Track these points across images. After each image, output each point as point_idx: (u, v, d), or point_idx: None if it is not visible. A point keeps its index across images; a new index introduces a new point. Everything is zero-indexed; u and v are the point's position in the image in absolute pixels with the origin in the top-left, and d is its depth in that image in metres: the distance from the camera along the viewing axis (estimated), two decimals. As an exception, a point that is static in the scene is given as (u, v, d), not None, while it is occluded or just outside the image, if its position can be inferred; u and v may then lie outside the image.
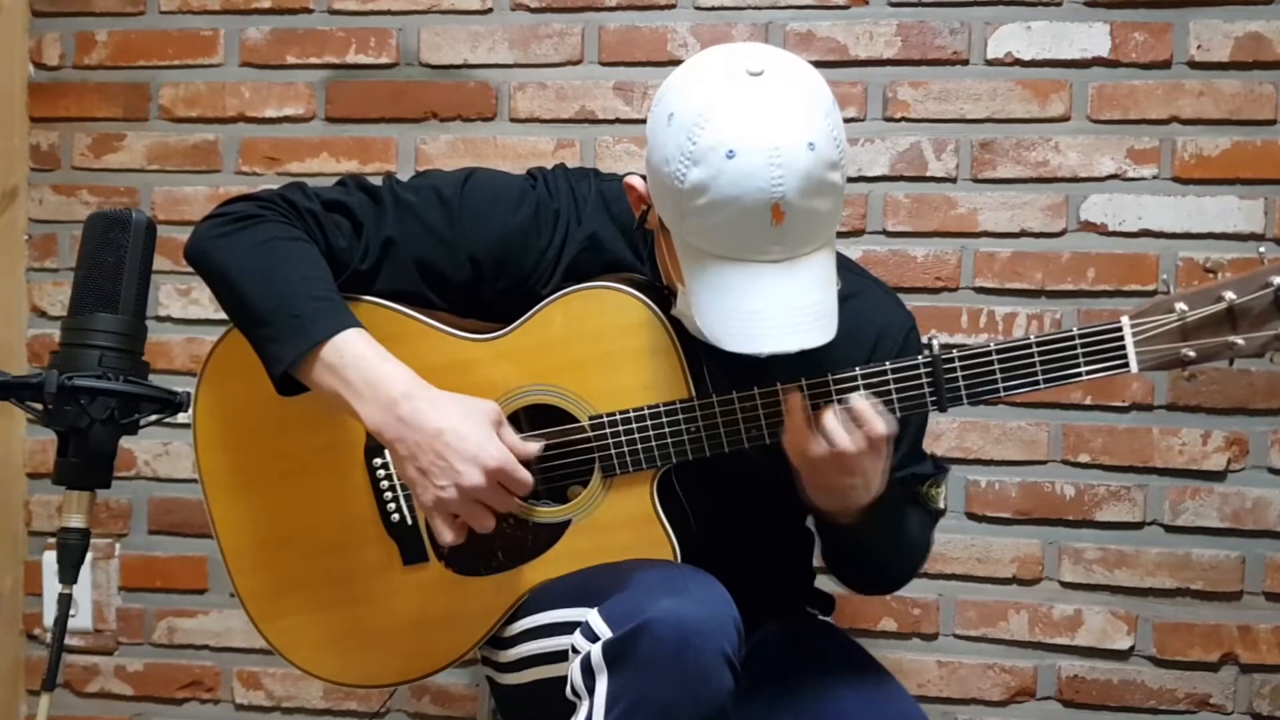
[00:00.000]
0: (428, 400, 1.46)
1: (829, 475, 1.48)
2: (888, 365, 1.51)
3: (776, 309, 1.37)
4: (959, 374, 1.50)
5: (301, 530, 1.65)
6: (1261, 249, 1.48)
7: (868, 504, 1.53)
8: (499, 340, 1.59)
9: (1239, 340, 1.45)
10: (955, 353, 1.50)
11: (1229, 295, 1.44)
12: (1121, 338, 1.47)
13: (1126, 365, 1.47)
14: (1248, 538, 2.27)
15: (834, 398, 1.50)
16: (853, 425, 1.46)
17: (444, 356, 1.57)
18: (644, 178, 1.50)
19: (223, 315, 1.59)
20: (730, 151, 1.32)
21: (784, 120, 1.34)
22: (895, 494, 1.61)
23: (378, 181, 1.66)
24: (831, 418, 1.46)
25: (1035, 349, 1.49)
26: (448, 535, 1.49)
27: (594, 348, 1.56)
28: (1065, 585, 2.31)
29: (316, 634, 1.67)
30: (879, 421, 1.45)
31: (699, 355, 1.54)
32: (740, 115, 1.34)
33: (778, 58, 1.40)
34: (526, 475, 1.47)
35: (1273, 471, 2.26)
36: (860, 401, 1.47)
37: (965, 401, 1.51)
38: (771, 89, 1.36)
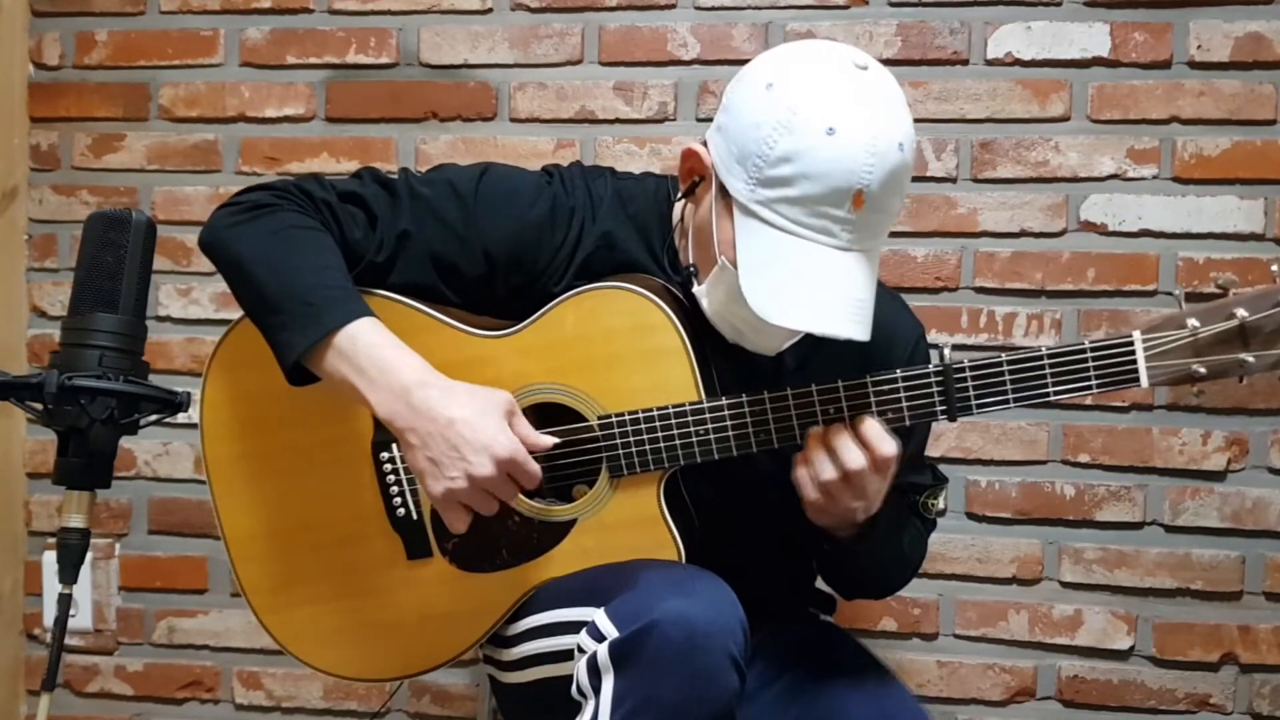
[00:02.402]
0: (440, 389, 1.46)
1: (839, 500, 1.49)
2: (899, 374, 1.51)
3: (829, 292, 1.39)
4: (969, 383, 1.50)
5: (306, 523, 1.65)
6: (1275, 268, 1.48)
7: (865, 521, 1.54)
8: (510, 337, 1.59)
9: (1250, 358, 1.45)
10: (966, 362, 1.50)
11: (1241, 312, 1.44)
12: (1133, 352, 1.47)
13: (1137, 380, 1.48)
14: (1248, 538, 2.28)
15: (844, 404, 1.50)
16: (855, 445, 1.47)
17: (455, 352, 1.57)
18: (705, 147, 1.51)
19: (223, 315, 1.59)
20: (831, 129, 1.35)
21: (886, 115, 1.38)
22: (895, 504, 1.62)
23: (393, 174, 1.66)
24: (843, 438, 1.47)
25: (1047, 361, 1.49)
26: (460, 524, 1.49)
27: (604, 348, 1.56)
28: (1065, 585, 2.32)
29: (319, 627, 1.67)
30: (887, 443, 1.47)
31: (710, 358, 1.54)
32: (849, 98, 1.37)
33: (873, 60, 1.43)
34: (536, 467, 1.47)
35: (1273, 471, 2.27)
36: (870, 423, 1.48)
37: (975, 411, 1.51)
38: (877, 85, 1.40)
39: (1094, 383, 1.49)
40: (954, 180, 2.32)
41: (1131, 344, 1.48)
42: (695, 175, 1.53)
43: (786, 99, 1.38)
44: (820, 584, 1.88)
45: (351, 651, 1.68)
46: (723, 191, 1.46)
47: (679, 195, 1.59)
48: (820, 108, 1.36)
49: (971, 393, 1.50)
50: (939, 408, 1.51)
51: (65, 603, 1.60)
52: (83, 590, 2.49)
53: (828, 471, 1.47)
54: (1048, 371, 1.49)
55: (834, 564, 1.70)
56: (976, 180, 2.31)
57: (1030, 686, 2.33)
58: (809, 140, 1.35)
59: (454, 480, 1.44)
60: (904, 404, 1.51)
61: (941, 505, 1.73)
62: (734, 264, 1.43)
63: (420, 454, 1.45)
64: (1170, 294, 1.49)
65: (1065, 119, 2.29)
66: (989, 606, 2.34)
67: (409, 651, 1.66)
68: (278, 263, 1.52)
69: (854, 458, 1.46)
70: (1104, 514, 2.30)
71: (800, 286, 1.39)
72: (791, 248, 1.39)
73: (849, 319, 1.39)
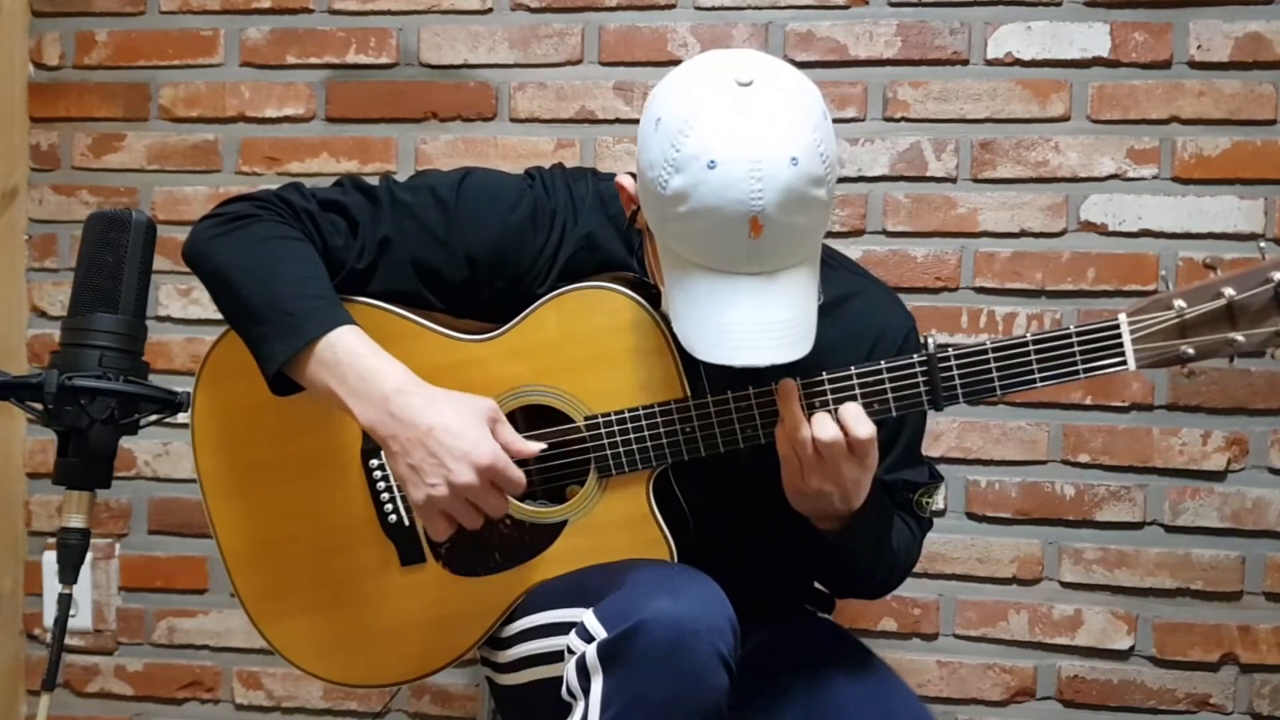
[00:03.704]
0: (421, 396, 1.45)
1: (810, 476, 1.48)
2: (882, 364, 1.50)
3: (750, 322, 1.37)
4: (955, 372, 1.49)
5: (300, 532, 1.65)
6: (1261, 245, 1.47)
7: (847, 514, 1.53)
8: (494, 341, 1.59)
9: (1239, 337, 1.43)
10: (951, 351, 1.50)
11: (1228, 291, 1.43)
12: (1119, 335, 1.46)
13: (1124, 363, 1.46)
14: (1248, 538, 2.28)
15: (829, 396, 1.50)
16: (829, 420, 1.46)
17: (439, 357, 1.57)
18: (635, 177, 1.50)
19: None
20: (711, 162, 1.32)
21: (767, 133, 1.33)
22: (882, 501, 1.61)
23: (375, 182, 1.66)
24: (820, 414, 1.47)
25: (1032, 347, 1.48)
26: (441, 532, 1.49)
27: (589, 348, 1.56)
28: (1065, 585, 2.31)
29: (316, 634, 1.67)
30: (863, 425, 1.45)
31: (694, 355, 1.54)
32: (724, 126, 1.33)
33: (770, 68, 1.39)
34: (519, 474, 1.46)
35: (1273, 471, 2.26)
36: (849, 405, 1.47)
37: (962, 400, 1.50)
38: (758, 100, 1.35)
39: (1080, 368, 1.48)
40: (954, 180, 2.31)
41: (1117, 327, 1.46)
42: (632, 204, 1.52)
43: (669, 135, 1.35)
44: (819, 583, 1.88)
45: (350, 658, 1.68)
46: (647, 224, 1.46)
47: (626, 223, 1.59)
48: (698, 140, 1.32)
49: (957, 381, 1.50)
50: (924, 398, 1.50)
51: (65, 603, 1.60)
52: (83, 590, 2.50)
53: (801, 431, 1.46)
54: (1033, 358, 1.48)
55: (821, 560, 1.69)
56: (976, 180, 2.31)
57: (1030, 686, 2.33)
58: (694, 177, 1.32)
59: (434, 487, 1.44)
60: (889, 395, 1.50)
61: (939, 504, 1.72)
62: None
63: (401, 461, 1.45)
64: (1164, 291, 1.48)
65: (1065, 119, 2.29)
66: (989, 606, 2.34)
67: (407, 657, 1.66)
68: (259, 273, 1.52)
69: (827, 429, 1.45)
70: (1104, 514, 2.30)
71: (720, 320, 1.37)
72: (706, 281, 1.38)
73: (772, 345, 1.36)
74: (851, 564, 1.67)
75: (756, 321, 1.37)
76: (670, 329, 1.52)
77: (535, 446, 1.50)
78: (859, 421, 1.46)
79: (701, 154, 1.32)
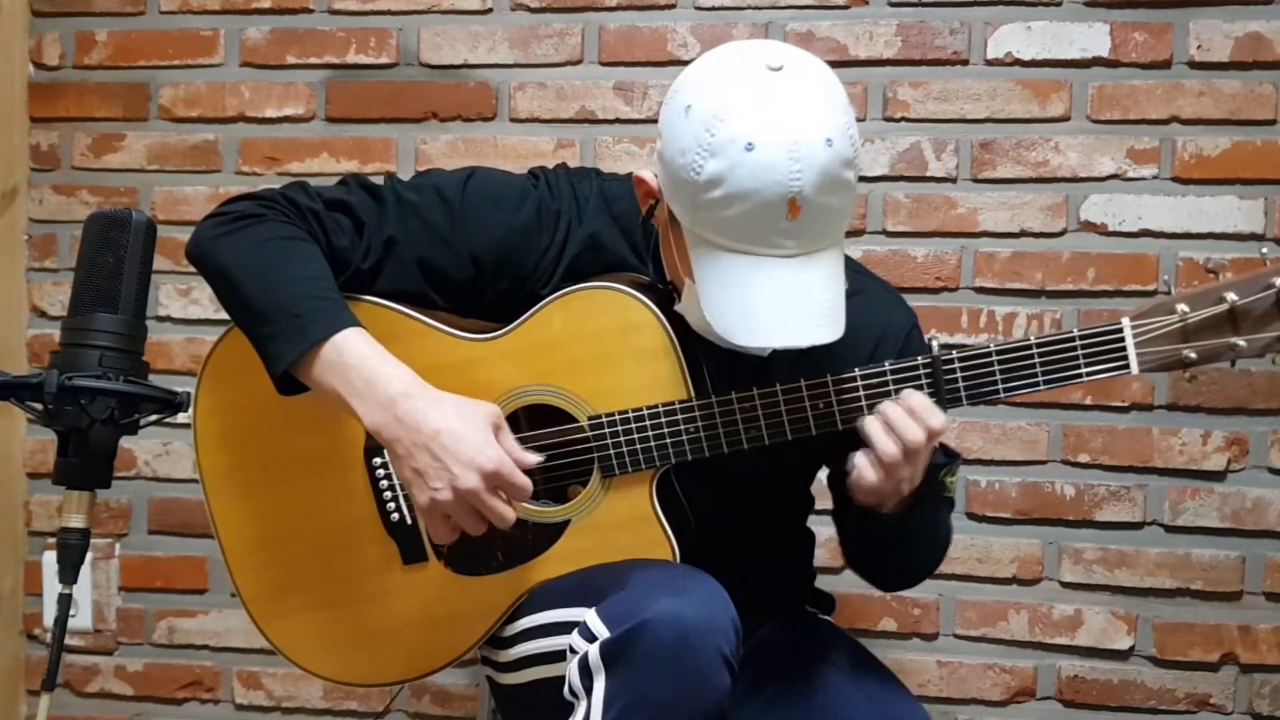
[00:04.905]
0: (427, 400, 1.45)
1: (896, 472, 1.47)
2: (887, 366, 1.51)
3: (787, 304, 1.38)
4: (959, 374, 1.50)
5: (302, 530, 1.65)
6: (1264, 250, 1.47)
7: (908, 496, 1.53)
8: (499, 340, 1.59)
9: (1240, 342, 1.45)
10: (955, 353, 1.50)
11: (1230, 296, 1.44)
12: (1122, 339, 1.47)
13: (1127, 367, 1.47)
14: (1248, 538, 2.28)
15: (834, 398, 1.49)
16: (911, 420, 1.45)
17: (444, 356, 1.57)
18: (654, 173, 1.50)
19: (223, 315, 1.59)
20: (749, 144, 1.33)
21: (803, 115, 1.34)
22: (929, 479, 1.61)
23: (379, 181, 1.66)
24: (899, 414, 1.46)
25: (1035, 350, 1.49)
26: (445, 535, 1.49)
27: (593, 348, 1.56)
28: (1065, 585, 2.31)
29: (317, 633, 1.67)
30: (935, 416, 1.46)
31: (698, 356, 1.54)
32: (760, 109, 1.34)
33: (795, 54, 1.41)
34: (524, 480, 1.45)
35: (1273, 471, 2.26)
36: (915, 397, 1.47)
37: (965, 402, 1.51)
38: (791, 84, 1.37)
39: (1083, 371, 1.48)
40: (954, 180, 2.31)
41: (1120, 330, 1.47)
42: (650, 199, 1.53)
43: (703, 120, 1.36)
44: (819, 584, 1.87)
45: (351, 657, 1.67)
46: (673, 216, 1.46)
47: (642, 219, 1.59)
48: (735, 124, 1.34)
49: (961, 384, 1.50)
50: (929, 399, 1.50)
51: (65, 603, 1.59)
52: (83, 590, 2.49)
53: (890, 450, 1.45)
54: (1037, 361, 1.49)
55: (873, 544, 1.68)
56: (976, 180, 2.31)
57: (1030, 686, 2.33)
58: (730, 160, 1.34)
59: (438, 491, 1.43)
60: (893, 396, 1.50)
61: (956, 487, 1.72)
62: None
63: (406, 465, 1.45)
64: (1167, 295, 1.48)
65: (1065, 119, 2.29)
66: (989, 606, 2.34)
67: (408, 656, 1.66)
68: (264, 273, 1.51)
69: (914, 434, 1.44)
70: (1104, 514, 2.30)
71: (757, 303, 1.38)
72: (742, 266, 1.38)
73: (810, 326, 1.37)
74: (906, 545, 1.66)
75: (793, 304, 1.38)
76: (676, 328, 1.53)
77: (535, 458, 1.49)
78: (931, 414, 1.46)
79: (739, 137, 1.33)
